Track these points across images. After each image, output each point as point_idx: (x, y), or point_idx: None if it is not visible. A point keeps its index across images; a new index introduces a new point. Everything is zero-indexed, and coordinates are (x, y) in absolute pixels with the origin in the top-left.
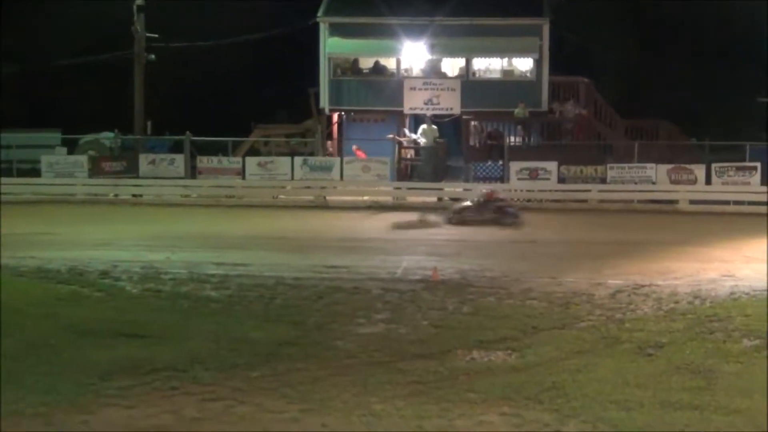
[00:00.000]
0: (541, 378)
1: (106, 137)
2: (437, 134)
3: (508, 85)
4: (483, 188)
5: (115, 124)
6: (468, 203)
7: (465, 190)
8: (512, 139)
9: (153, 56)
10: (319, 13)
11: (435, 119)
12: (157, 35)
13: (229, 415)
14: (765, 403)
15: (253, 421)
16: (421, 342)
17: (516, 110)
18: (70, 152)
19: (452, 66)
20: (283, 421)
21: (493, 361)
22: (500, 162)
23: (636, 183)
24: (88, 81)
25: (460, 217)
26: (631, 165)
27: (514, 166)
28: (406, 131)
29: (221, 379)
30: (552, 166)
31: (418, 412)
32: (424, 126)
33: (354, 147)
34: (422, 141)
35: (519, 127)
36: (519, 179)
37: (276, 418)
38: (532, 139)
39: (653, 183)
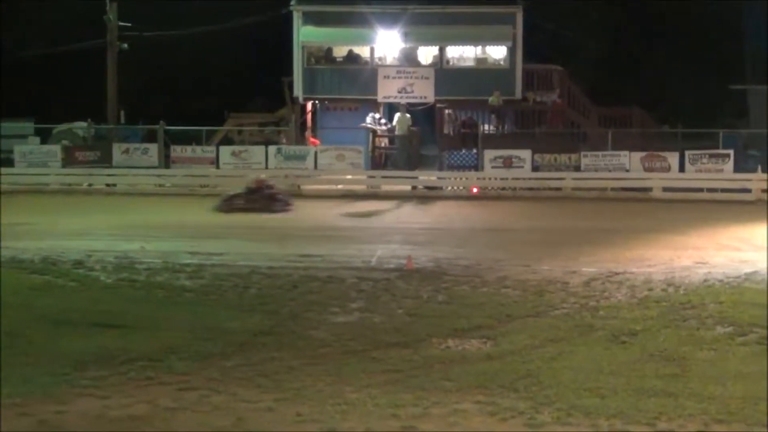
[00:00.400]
0: (515, 366)
1: (80, 127)
2: (411, 123)
3: (482, 74)
4: (253, 176)
5: (88, 113)
6: (238, 191)
7: (439, 178)
8: (486, 127)
9: (126, 45)
10: (293, 2)
11: (409, 108)
12: (130, 24)
13: (204, 405)
14: (738, 389)
15: (227, 410)
16: (396, 331)
17: (490, 98)
18: (43, 142)
19: (426, 54)
20: (257, 411)
21: (468, 349)
22: (474, 150)
23: (610, 171)
24: (61, 70)
25: (229, 205)
26: (604, 153)
27: (488, 155)
28: (373, 117)
29: (196, 368)
30: (526, 154)
31: (393, 401)
32: (398, 114)
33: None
34: (395, 128)
35: (493, 115)
36: (493, 167)
37: (251, 408)
38: (506, 127)
39: (627, 171)
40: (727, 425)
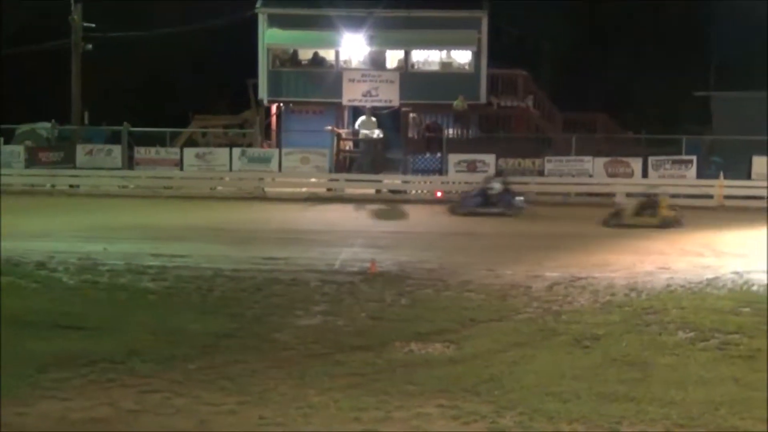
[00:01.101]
0: (478, 370)
1: (43, 127)
2: (376, 126)
3: (447, 78)
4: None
5: (52, 114)
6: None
7: (403, 182)
8: (451, 131)
9: (90, 46)
10: (258, 4)
11: (374, 111)
12: (94, 25)
13: (166, 408)
14: (699, 394)
15: (190, 413)
16: (359, 334)
17: (455, 102)
18: (6, 142)
19: (391, 58)
20: (220, 414)
21: (431, 353)
22: (438, 154)
23: (573, 176)
24: (25, 70)
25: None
26: (568, 158)
27: (453, 159)
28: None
29: (159, 371)
30: (490, 158)
31: (356, 404)
32: (363, 118)
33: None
34: (366, 132)
35: (458, 119)
36: (457, 171)
37: (213, 411)
38: (470, 131)
39: (590, 176)
40: (688, 430)
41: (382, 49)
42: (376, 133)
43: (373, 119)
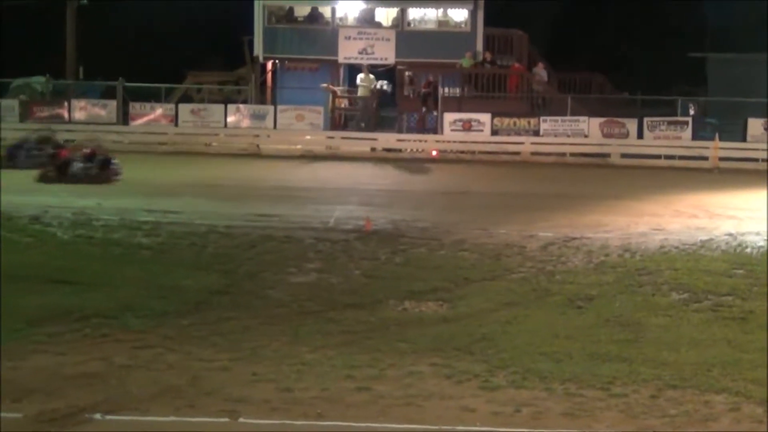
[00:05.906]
0: (471, 329)
1: (38, 81)
2: (375, 83)
3: (443, 36)
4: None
5: (46, 68)
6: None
7: (398, 140)
8: (446, 90)
9: (85, 0)
10: None
11: (370, 69)
12: None
13: (159, 363)
14: (691, 355)
15: (183, 369)
16: (353, 292)
17: (463, 60)
18: (0, 96)
19: (387, 15)
20: (213, 370)
21: (425, 311)
22: (434, 113)
23: (568, 136)
24: (19, 24)
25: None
26: (564, 118)
27: (448, 118)
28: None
29: (151, 326)
30: (485, 117)
31: (349, 362)
32: (361, 75)
33: None
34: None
35: (464, 78)
36: (452, 130)
37: (206, 367)
38: (466, 90)
39: (586, 136)
40: (680, 391)
41: (378, 7)
42: (379, 84)
43: (372, 76)
